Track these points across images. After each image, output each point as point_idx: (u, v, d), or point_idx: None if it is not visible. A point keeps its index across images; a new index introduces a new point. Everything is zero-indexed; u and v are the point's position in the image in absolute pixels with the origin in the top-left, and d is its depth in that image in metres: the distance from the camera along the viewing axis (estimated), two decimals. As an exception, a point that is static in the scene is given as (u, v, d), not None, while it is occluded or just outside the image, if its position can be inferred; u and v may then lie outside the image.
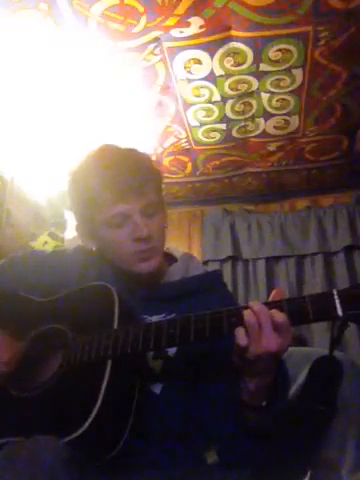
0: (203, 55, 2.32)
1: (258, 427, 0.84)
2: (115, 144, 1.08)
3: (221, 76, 2.46)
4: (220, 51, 2.30)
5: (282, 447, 0.86)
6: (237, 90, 2.57)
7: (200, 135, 2.94)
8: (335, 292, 0.76)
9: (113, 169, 0.99)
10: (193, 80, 2.49)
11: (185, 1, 1.99)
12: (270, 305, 0.79)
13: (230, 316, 0.80)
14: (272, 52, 2.31)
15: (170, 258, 1.11)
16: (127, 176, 0.98)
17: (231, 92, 2.58)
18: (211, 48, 2.28)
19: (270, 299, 0.82)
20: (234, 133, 2.93)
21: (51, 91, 2.44)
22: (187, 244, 3.59)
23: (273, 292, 0.83)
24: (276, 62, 2.37)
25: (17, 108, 2.49)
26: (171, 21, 2.09)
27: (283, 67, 2.41)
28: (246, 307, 0.80)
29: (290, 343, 0.79)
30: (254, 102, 2.68)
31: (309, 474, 0.95)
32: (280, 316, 0.77)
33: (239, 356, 0.80)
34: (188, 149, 3.07)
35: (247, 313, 0.79)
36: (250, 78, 2.49)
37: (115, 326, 0.87)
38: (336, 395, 0.85)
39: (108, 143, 1.08)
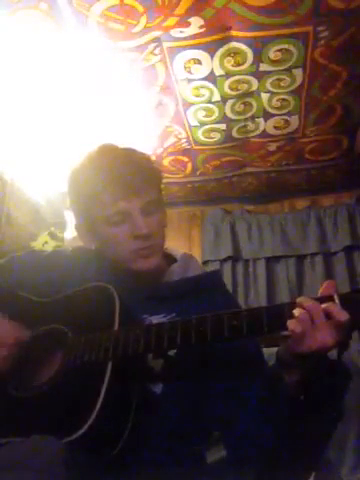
0: (203, 55, 2.32)
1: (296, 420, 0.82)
2: (115, 144, 1.08)
3: (221, 76, 2.46)
4: (220, 51, 2.30)
5: (287, 448, 0.86)
6: (237, 90, 2.57)
7: (200, 135, 2.94)
8: (336, 296, 0.76)
9: (113, 167, 1.00)
10: (193, 80, 2.49)
11: (185, 1, 1.98)
12: (322, 300, 0.77)
13: (231, 319, 0.80)
14: (272, 52, 2.31)
15: (170, 258, 1.11)
16: (127, 174, 0.99)
17: (231, 92, 2.58)
18: (211, 48, 2.28)
19: (321, 292, 0.80)
20: (234, 133, 2.93)
21: (51, 91, 2.44)
22: (187, 244, 3.59)
23: (325, 284, 0.81)
24: (276, 62, 2.37)
25: (17, 108, 2.49)
26: (171, 21, 2.09)
27: (283, 67, 2.41)
28: (293, 303, 0.78)
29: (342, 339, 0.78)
30: (254, 102, 2.68)
31: (313, 475, 0.95)
32: (340, 313, 0.75)
33: (292, 351, 0.79)
34: (188, 149, 3.07)
35: (302, 306, 0.76)
36: (250, 78, 2.49)
37: (116, 327, 0.87)
38: (343, 398, 0.85)
39: (108, 143, 1.08)
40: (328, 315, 0.75)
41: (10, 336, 0.92)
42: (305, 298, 0.79)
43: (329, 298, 0.77)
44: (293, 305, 0.78)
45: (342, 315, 0.74)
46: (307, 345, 0.76)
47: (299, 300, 0.78)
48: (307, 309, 0.76)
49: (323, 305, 0.76)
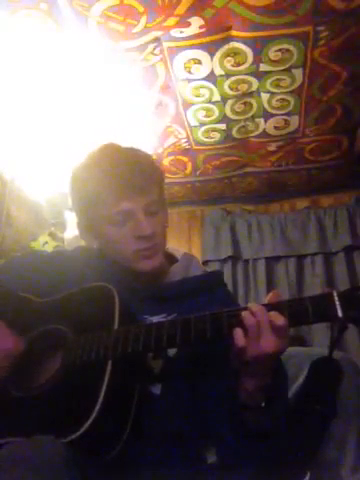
0: (203, 55, 2.32)
1: (257, 428, 0.84)
2: (117, 143, 1.08)
3: (221, 76, 2.46)
4: (220, 51, 2.30)
5: (282, 447, 0.86)
6: (237, 90, 2.57)
7: (200, 135, 2.94)
8: (335, 293, 0.76)
9: (116, 167, 1.00)
10: (193, 80, 2.49)
11: (185, 1, 1.98)
12: (269, 307, 0.79)
13: (230, 317, 0.80)
14: (272, 52, 2.31)
15: (171, 258, 1.11)
16: (130, 174, 0.98)
17: (231, 92, 2.58)
18: (211, 48, 2.28)
19: (267, 301, 0.82)
20: (234, 133, 2.93)
21: (51, 91, 2.44)
22: (187, 244, 3.59)
23: (269, 295, 0.83)
24: (276, 62, 2.37)
25: (17, 108, 2.49)
26: (171, 21, 2.09)
27: (283, 67, 2.41)
28: (245, 308, 0.80)
29: (288, 344, 0.79)
30: (254, 102, 2.68)
31: (309, 475, 0.95)
32: (279, 318, 0.77)
33: (237, 357, 0.80)
34: (188, 149, 3.07)
35: (246, 314, 0.79)
36: (250, 78, 2.49)
37: (115, 326, 0.87)
38: (335, 396, 0.85)
39: (110, 142, 1.08)
40: (270, 322, 0.77)
41: (7, 348, 0.91)
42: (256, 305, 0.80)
43: (275, 306, 0.79)
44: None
45: (279, 319, 0.76)
46: (251, 352, 0.78)
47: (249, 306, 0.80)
48: (255, 315, 0.78)
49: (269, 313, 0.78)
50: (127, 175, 0.98)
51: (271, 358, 0.79)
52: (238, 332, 0.78)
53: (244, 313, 0.79)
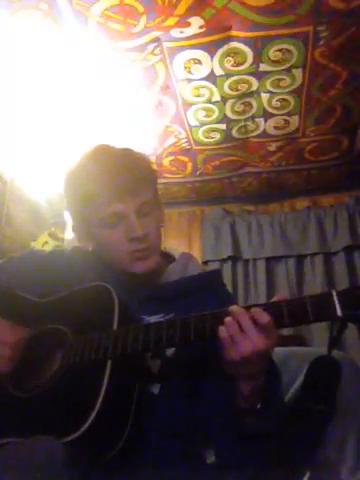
0: (203, 55, 2.32)
1: (255, 429, 0.84)
2: (110, 144, 1.08)
3: (221, 76, 2.46)
4: (220, 51, 2.30)
5: (281, 447, 0.86)
6: (237, 90, 2.57)
7: (200, 135, 2.94)
8: (334, 293, 0.76)
9: (108, 169, 0.99)
10: (193, 80, 2.49)
11: (185, 1, 1.98)
12: (253, 306, 0.80)
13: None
14: (272, 52, 2.31)
15: (168, 258, 1.10)
16: (122, 176, 0.98)
17: (231, 92, 2.58)
18: (211, 48, 2.28)
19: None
20: (234, 133, 2.93)
21: (51, 91, 2.44)
22: (187, 244, 3.59)
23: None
24: (276, 62, 2.37)
25: (17, 108, 2.49)
26: (171, 21, 2.09)
27: (283, 67, 2.41)
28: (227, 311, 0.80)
29: (276, 342, 0.79)
30: (254, 102, 2.68)
31: (308, 474, 0.95)
32: (262, 316, 0.77)
33: (226, 359, 0.80)
34: (188, 149, 3.07)
35: (227, 317, 0.79)
36: (250, 78, 2.49)
37: (115, 326, 0.87)
38: (335, 395, 0.85)
39: (103, 143, 1.08)
40: (254, 320, 0.77)
41: (12, 336, 0.92)
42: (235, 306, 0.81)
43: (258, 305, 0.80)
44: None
45: (263, 317, 0.77)
46: (238, 352, 0.77)
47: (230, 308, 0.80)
48: (234, 315, 0.78)
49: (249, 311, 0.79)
50: (118, 177, 0.97)
51: (261, 357, 0.79)
52: (222, 331, 0.78)
53: (226, 318, 0.79)
